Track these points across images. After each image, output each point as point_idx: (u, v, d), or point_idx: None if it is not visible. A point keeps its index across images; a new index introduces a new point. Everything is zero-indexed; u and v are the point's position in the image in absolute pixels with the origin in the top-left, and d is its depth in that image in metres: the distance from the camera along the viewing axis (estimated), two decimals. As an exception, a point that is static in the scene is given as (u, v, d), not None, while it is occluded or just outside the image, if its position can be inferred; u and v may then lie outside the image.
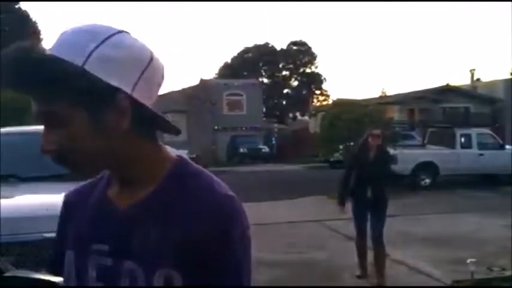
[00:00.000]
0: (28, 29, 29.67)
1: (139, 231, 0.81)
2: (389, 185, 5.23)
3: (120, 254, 0.81)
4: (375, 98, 28.45)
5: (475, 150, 14.42)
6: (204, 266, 0.77)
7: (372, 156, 5.03)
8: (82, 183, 0.99)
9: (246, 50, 44.65)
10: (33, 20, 31.26)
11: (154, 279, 0.78)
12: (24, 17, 30.41)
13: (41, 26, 32.07)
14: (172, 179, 0.84)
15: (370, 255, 5.25)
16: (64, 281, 0.89)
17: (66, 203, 0.98)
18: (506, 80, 29.58)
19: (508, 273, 5.19)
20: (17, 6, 30.14)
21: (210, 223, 0.78)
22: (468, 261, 4.93)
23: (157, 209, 0.82)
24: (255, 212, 10.21)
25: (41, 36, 31.47)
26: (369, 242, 5.23)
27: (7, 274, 1.55)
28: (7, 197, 2.70)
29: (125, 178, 0.86)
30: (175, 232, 0.78)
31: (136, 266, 0.79)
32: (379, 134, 5.15)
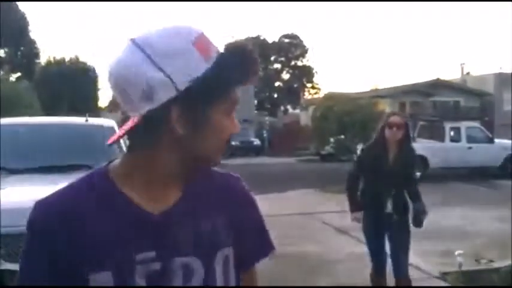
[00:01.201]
0: (24, 27, 29.35)
1: (187, 227, 0.86)
2: (416, 193, 3.65)
3: (169, 255, 0.84)
4: (366, 92, 28.58)
5: (464, 143, 14.56)
6: (247, 232, 0.96)
7: (392, 156, 3.55)
8: (55, 191, 0.86)
9: (238, 43, 44.47)
10: (27, 19, 30.90)
11: (215, 261, 0.89)
12: (20, 16, 30.04)
13: (35, 25, 31.63)
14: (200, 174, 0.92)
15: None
16: None
17: (62, 216, 0.82)
18: (495, 74, 29.88)
19: (495, 265, 5.26)
20: (13, 5, 29.73)
21: (244, 200, 0.98)
22: (456, 253, 4.99)
23: (197, 203, 0.90)
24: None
25: (33, 38, 31.21)
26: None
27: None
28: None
29: (165, 178, 0.86)
30: (225, 215, 0.92)
31: (192, 258, 0.86)
32: (399, 123, 3.48)
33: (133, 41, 0.80)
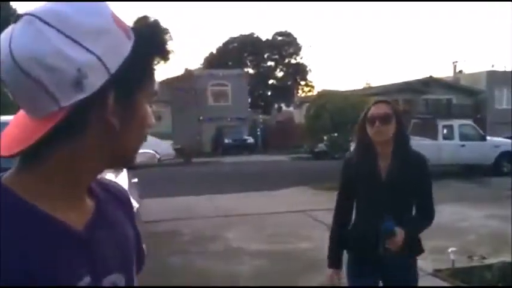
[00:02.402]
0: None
1: (109, 240, 0.77)
2: (428, 223, 2.41)
3: (100, 276, 0.74)
4: (359, 89, 28.67)
5: (456, 141, 14.64)
6: (138, 240, 0.89)
7: (383, 165, 2.33)
8: None
9: (231, 40, 44.43)
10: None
11: (133, 273, 0.83)
12: (11, 12, 29.87)
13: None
14: (94, 184, 0.81)
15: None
16: None
17: None
18: (488, 72, 30.10)
19: (488, 261, 5.29)
20: (7, 5, 29.58)
21: (132, 208, 0.91)
22: (449, 250, 5.01)
23: (109, 211, 0.81)
24: (239, 202, 10.25)
25: None
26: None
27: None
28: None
29: (83, 188, 0.76)
30: (130, 227, 0.87)
31: (117, 275, 0.77)
32: (383, 115, 2.28)
33: (37, 17, 0.64)
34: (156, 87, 0.78)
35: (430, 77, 28.76)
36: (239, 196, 11.01)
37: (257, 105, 40.79)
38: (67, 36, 0.64)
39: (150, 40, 0.72)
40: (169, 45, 0.74)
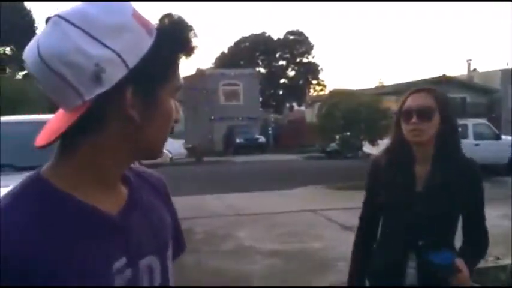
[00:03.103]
0: (30, 24, 29.51)
1: (144, 224, 0.82)
2: (483, 253, 2.04)
3: (136, 258, 0.78)
4: (371, 88, 28.50)
5: (471, 140, 14.48)
6: (175, 228, 0.94)
7: (420, 172, 1.81)
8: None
9: (243, 40, 44.47)
10: (32, 16, 31.04)
11: (168, 256, 0.86)
12: (26, 14, 30.19)
13: (41, 22, 31.88)
14: (128, 172, 0.85)
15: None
16: None
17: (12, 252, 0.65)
18: (502, 70, 29.69)
19: (502, 262, 5.24)
20: (19, 5, 29.89)
21: (169, 195, 0.96)
22: (463, 250, 4.96)
23: (144, 198, 0.86)
24: (251, 201, 10.26)
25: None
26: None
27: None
28: (2, 187, 2.69)
29: (115, 174, 0.79)
30: (166, 210, 0.91)
31: (152, 257, 0.82)
32: (423, 107, 1.75)
33: (63, 18, 0.68)
34: (182, 82, 0.81)
35: (444, 75, 28.46)
36: (251, 195, 11.03)
37: (269, 105, 40.78)
38: (88, 35, 0.68)
39: (172, 36, 0.75)
40: (193, 42, 0.77)
